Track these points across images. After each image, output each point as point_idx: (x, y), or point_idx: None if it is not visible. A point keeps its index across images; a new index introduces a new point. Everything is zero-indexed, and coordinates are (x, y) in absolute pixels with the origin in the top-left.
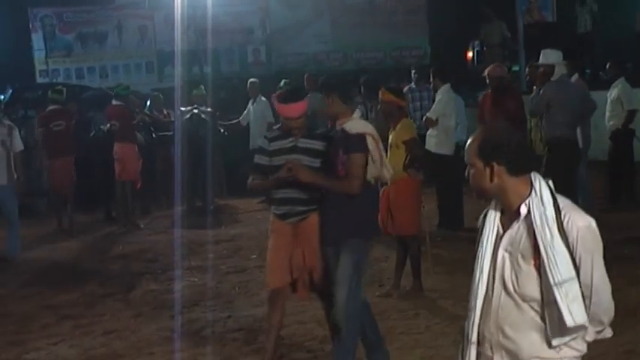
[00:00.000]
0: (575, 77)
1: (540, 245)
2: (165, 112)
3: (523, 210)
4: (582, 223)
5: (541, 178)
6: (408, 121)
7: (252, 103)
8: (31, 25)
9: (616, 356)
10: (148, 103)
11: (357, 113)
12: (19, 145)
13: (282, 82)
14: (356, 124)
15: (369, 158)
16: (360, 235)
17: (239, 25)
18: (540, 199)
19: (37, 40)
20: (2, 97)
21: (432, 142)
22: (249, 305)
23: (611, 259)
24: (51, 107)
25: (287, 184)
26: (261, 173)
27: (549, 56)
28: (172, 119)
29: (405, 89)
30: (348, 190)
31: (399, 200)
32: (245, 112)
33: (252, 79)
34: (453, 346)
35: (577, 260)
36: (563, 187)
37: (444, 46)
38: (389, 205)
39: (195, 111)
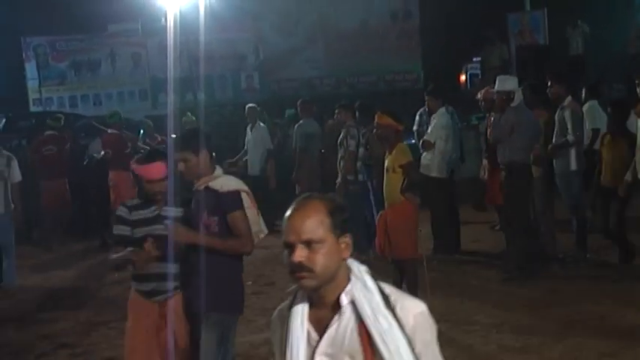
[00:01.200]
0: (568, 99)
1: (376, 338)
2: (159, 139)
3: (344, 300)
4: (417, 310)
5: (359, 264)
6: (403, 146)
7: (251, 129)
8: (24, 55)
9: None
10: (142, 131)
11: (218, 170)
12: (17, 175)
13: (286, 113)
14: (226, 181)
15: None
16: (227, 307)
17: (232, 51)
18: (363, 284)
19: (31, 69)
20: None
21: (428, 164)
22: (246, 331)
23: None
24: (47, 133)
25: (155, 257)
26: (124, 246)
27: (507, 83)
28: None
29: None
30: (241, 249)
31: (396, 224)
32: (246, 139)
33: (250, 105)
34: None
35: (417, 353)
36: (521, 210)
37: (437, 69)
38: (386, 228)
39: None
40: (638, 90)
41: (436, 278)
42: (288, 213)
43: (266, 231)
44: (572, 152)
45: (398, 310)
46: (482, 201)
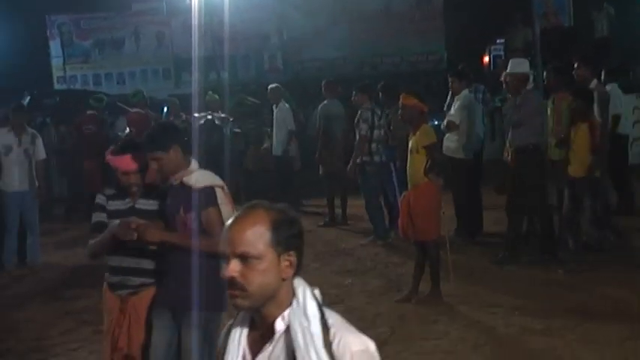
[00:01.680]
0: (594, 83)
1: None
2: (183, 117)
3: (279, 325)
4: (357, 347)
5: (306, 285)
6: (428, 127)
7: (275, 109)
8: (48, 32)
9: None
10: (165, 108)
11: (194, 164)
12: (41, 153)
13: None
14: (200, 176)
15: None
16: (212, 305)
17: (255, 31)
18: (304, 311)
19: (55, 47)
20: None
21: (453, 146)
22: None
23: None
24: (88, 112)
25: (125, 250)
26: (101, 232)
27: (521, 66)
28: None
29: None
30: (214, 248)
31: (419, 205)
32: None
33: (272, 85)
34: (472, 352)
35: None
36: (534, 194)
37: (461, 50)
38: (409, 210)
39: (209, 117)
40: None
41: (458, 260)
42: (229, 221)
43: None
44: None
45: (335, 346)
46: (504, 184)
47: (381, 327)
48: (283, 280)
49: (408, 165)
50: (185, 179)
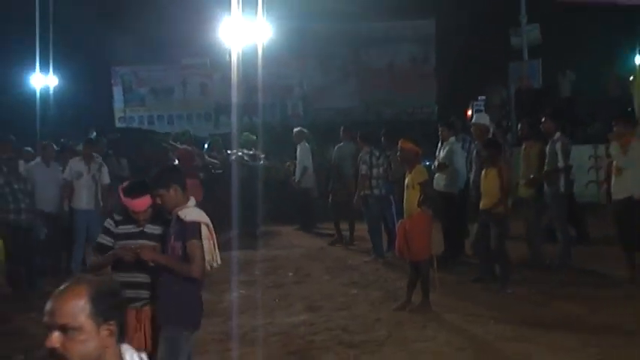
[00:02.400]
0: (557, 134)
1: None
2: (224, 152)
3: None
4: None
5: (133, 351)
6: (421, 167)
7: (298, 147)
8: (112, 80)
9: None
10: (207, 145)
11: (191, 202)
12: (106, 179)
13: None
14: (191, 212)
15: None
16: (178, 322)
17: (281, 84)
18: None
19: (117, 93)
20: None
21: (442, 183)
22: (286, 314)
23: None
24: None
25: (134, 268)
26: (103, 253)
27: (483, 119)
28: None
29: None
30: (187, 273)
31: (414, 231)
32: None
33: (297, 128)
34: (456, 353)
35: None
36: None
37: (449, 105)
38: (405, 234)
39: (239, 154)
40: (614, 129)
41: (444, 277)
42: (53, 294)
43: (219, 262)
44: (562, 178)
45: None
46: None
47: (380, 330)
48: (106, 347)
49: (404, 198)
50: (180, 213)
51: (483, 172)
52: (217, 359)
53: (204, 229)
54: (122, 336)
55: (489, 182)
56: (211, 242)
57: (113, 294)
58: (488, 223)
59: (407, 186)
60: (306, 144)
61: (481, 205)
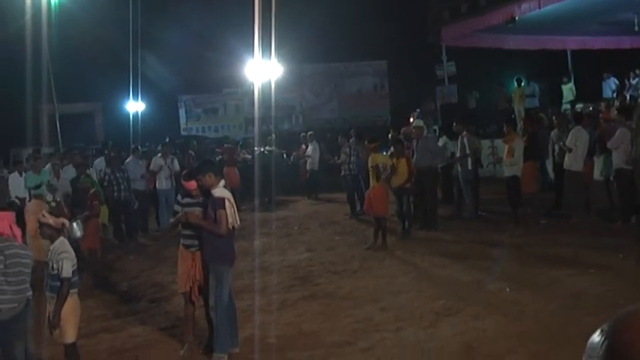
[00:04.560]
0: (464, 133)
1: None
2: (255, 150)
3: None
4: None
5: None
6: (378, 155)
7: (310, 145)
8: (178, 104)
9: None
10: (240, 142)
11: (222, 183)
12: (177, 167)
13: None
14: (220, 191)
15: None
16: (220, 261)
17: (287, 103)
18: None
19: (181, 113)
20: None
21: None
22: (294, 253)
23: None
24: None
25: (190, 227)
26: (174, 216)
27: (419, 123)
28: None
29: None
30: (217, 231)
31: (376, 197)
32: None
33: (310, 132)
34: (403, 276)
35: None
36: (431, 194)
37: (398, 115)
38: (370, 200)
39: (262, 149)
40: (504, 128)
41: (396, 228)
42: None
43: (239, 222)
44: (469, 161)
45: None
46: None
47: (354, 263)
48: None
49: (370, 176)
50: (213, 191)
51: (395, 160)
52: (249, 283)
53: (227, 202)
54: None
55: (401, 168)
56: (233, 210)
57: None
58: (401, 195)
59: (371, 167)
60: (316, 143)
61: (394, 184)
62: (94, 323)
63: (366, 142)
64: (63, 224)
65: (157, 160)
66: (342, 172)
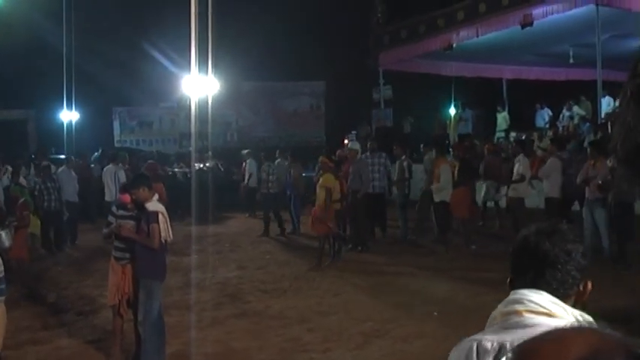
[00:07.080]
0: (404, 156)
1: None
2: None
3: None
4: None
5: None
6: (329, 175)
7: (247, 162)
8: (112, 116)
9: None
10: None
11: (155, 197)
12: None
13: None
14: (153, 205)
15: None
16: (151, 276)
17: (223, 119)
18: None
19: (116, 125)
20: (97, 153)
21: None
22: (224, 271)
23: None
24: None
25: (122, 239)
26: (107, 227)
27: (355, 146)
28: (187, 169)
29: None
30: (150, 245)
31: (317, 216)
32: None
33: (246, 150)
34: (333, 297)
35: None
36: (363, 217)
37: (332, 136)
38: (313, 218)
39: (201, 166)
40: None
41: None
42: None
43: (172, 237)
44: (406, 184)
45: None
46: None
47: (284, 282)
48: None
49: (317, 193)
50: (147, 205)
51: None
52: (178, 299)
53: (160, 216)
54: None
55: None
56: (165, 224)
57: None
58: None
59: (319, 186)
60: (253, 160)
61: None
62: (20, 335)
63: (320, 159)
64: None
65: (109, 170)
66: (261, 190)
